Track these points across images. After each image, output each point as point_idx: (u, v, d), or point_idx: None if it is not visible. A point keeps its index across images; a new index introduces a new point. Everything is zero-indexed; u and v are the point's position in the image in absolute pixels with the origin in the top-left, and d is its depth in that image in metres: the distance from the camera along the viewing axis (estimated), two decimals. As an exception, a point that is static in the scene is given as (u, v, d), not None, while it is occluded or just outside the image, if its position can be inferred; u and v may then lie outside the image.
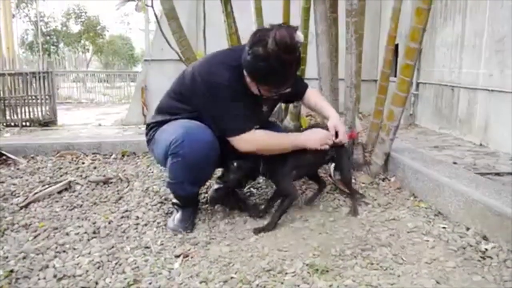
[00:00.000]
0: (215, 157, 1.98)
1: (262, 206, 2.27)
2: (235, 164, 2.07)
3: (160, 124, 2.08)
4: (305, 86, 2.29)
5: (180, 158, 1.91)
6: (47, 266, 1.67)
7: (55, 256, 1.76)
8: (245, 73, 1.90)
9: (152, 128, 2.13)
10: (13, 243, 1.87)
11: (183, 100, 2.04)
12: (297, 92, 2.24)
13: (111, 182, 2.76)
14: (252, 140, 1.94)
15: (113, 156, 3.45)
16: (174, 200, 2.15)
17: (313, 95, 2.30)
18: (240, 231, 2.01)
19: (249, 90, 1.95)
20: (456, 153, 3.71)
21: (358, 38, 2.99)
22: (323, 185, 2.43)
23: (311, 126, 2.37)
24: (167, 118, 2.06)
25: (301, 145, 2.03)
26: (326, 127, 2.14)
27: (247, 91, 1.94)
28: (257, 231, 1.99)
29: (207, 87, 1.90)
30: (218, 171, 2.44)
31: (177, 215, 2.07)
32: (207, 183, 2.68)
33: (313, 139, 2.04)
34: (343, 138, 2.10)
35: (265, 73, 1.83)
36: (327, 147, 2.05)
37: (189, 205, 2.12)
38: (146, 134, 2.19)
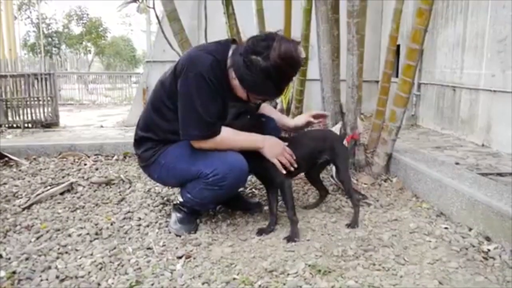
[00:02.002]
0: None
1: (266, 207, 2.27)
2: None
3: (156, 143, 1.99)
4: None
5: (218, 187, 1.88)
6: (49, 267, 1.67)
7: (58, 257, 1.76)
8: (233, 76, 1.83)
9: (147, 150, 2.01)
10: (16, 245, 1.88)
11: (165, 111, 1.93)
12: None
13: (113, 184, 2.76)
14: (213, 143, 1.87)
15: (115, 157, 3.45)
16: (176, 202, 2.12)
17: (267, 106, 2.25)
18: (242, 232, 2.01)
19: (230, 90, 1.89)
20: (458, 153, 3.70)
21: (360, 39, 2.99)
22: (325, 192, 2.40)
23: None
24: (161, 138, 1.97)
25: (259, 149, 1.93)
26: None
27: (226, 89, 1.87)
28: (260, 232, 1.99)
29: (192, 76, 1.80)
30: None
31: (180, 217, 2.05)
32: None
33: (274, 152, 1.93)
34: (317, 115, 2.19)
35: (262, 83, 1.78)
36: (277, 163, 1.93)
37: (196, 211, 2.11)
38: (142, 158, 2.06)
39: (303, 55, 1.77)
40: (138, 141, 2.07)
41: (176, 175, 1.98)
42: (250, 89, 1.85)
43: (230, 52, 1.86)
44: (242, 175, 1.93)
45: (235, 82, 1.85)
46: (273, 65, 1.71)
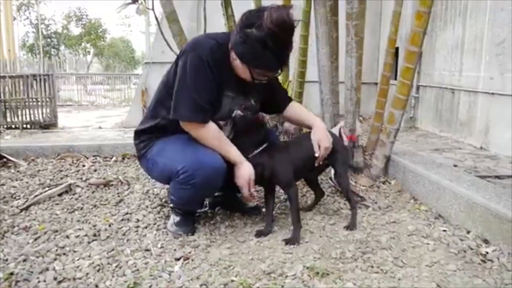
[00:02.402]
0: (224, 177, 1.90)
1: (263, 209, 2.27)
2: None
3: (151, 136, 2.02)
4: (289, 99, 2.21)
5: (190, 186, 1.87)
6: (47, 269, 1.66)
7: (55, 259, 1.75)
8: (234, 56, 1.83)
9: (141, 141, 2.05)
10: (13, 246, 1.87)
11: (167, 101, 1.92)
12: (280, 102, 2.18)
13: (112, 185, 2.76)
14: (198, 132, 1.87)
15: (114, 158, 3.45)
16: (177, 209, 2.09)
17: (298, 106, 2.24)
18: (240, 234, 2.01)
19: (233, 75, 1.88)
20: (457, 156, 3.71)
21: (359, 41, 2.99)
22: (320, 193, 2.40)
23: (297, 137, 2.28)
24: (157, 134, 2.00)
25: (234, 163, 1.91)
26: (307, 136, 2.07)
27: (226, 74, 1.86)
28: (259, 234, 1.99)
29: (189, 57, 1.80)
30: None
31: (177, 219, 2.05)
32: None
33: (241, 176, 1.90)
34: (324, 153, 2.01)
35: (260, 55, 1.75)
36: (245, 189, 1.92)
37: (190, 213, 2.12)
38: (136, 148, 2.11)
39: (296, 17, 1.75)
40: (137, 133, 2.10)
41: (157, 169, 2.00)
42: (250, 63, 1.81)
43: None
44: (214, 174, 1.86)
45: (236, 63, 1.84)
46: (267, 33, 1.69)
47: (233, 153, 1.90)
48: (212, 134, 1.88)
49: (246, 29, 1.74)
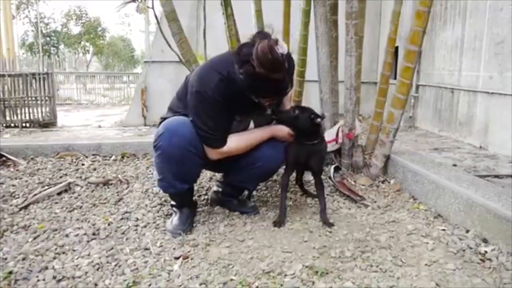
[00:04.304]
0: (197, 154, 1.99)
1: (263, 208, 2.28)
2: None
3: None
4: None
5: (160, 151, 1.96)
6: (46, 268, 1.66)
7: (55, 258, 1.75)
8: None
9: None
10: (13, 245, 1.87)
11: (183, 101, 2.06)
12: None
13: (111, 184, 2.76)
14: (221, 154, 2.02)
15: (113, 157, 3.45)
16: (172, 202, 2.17)
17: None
18: (240, 233, 2.01)
19: (244, 97, 1.93)
20: (456, 155, 3.71)
21: (358, 40, 2.99)
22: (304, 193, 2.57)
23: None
24: (169, 115, 2.09)
25: (270, 135, 2.12)
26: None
27: (239, 98, 1.93)
28: (277, 224, 2.09)
29: (195, 92, 1.92)
30: (218, 173, 2.44)
31: (175, 217, 2.07)
32: (208, 184, 2.69)
33: (283, 136, 2.14)
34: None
35: (262, 89, 1.86)
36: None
37: (185, 205, 2.13)
38: None
39: (283, 50, 1.77)
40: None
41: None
42: (257, 95, 1.91)
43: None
44: (179, 138, 1.93)
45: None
46: (258, 72, 1.75)
47: (259, 134, 2.10)
48: (235, 143, 2.03)
49: (242, 66, 1.80)
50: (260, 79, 1.77)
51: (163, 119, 2.10)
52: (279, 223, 2.08)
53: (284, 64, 1.78)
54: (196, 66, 3.19)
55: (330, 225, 2.07)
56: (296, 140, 2.15)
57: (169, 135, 1.93)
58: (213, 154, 2.02)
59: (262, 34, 1.80)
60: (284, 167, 2.27)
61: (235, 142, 2.03)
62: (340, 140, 2.89)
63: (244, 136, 2.07)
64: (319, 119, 2.08)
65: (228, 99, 1.91)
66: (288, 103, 2.27)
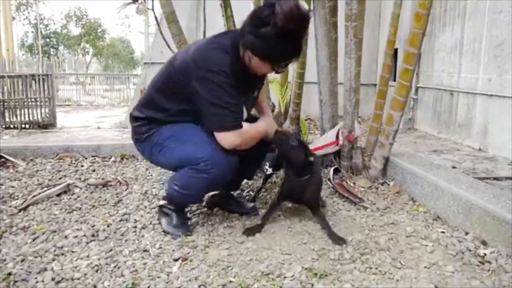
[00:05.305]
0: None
1: (263, 210, 2.27)
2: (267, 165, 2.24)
3: (151, 121, 1.99)
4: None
5: (207, 175, 1.87)
6: (45, 269, 1.66)
7: (54, 259, 1.75)
8: (249, 55, 1.83)
9: (143, 125, 2.02)
10: (12, 246, 1.87)
11: (171, 94, 1.95)
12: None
13: (110, 185, 2.76)
14: (240, 135, 1.87)
15: (112, 159, 3.45)
16: (169, 206, 2.08)
17: (262, 91, 2.29)
18: (239, 235, 2.01)
19: (244, 74, 1.89)
20: (455, 157, 3.71)
21: (358, 42, 2.99)
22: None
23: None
24: (160, 117, 1.98)
25: (268, 132, 2.07)
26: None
27: (241, 76, 1.88)
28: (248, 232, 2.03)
29: (210, 72, 1.80)
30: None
31: (174, 219, 2.05)
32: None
33: (273, 125, 2.14)
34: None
35: (283, 49, 1.79)
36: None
37: (182, 209, 2.12)
38: (135, 131, 2.07)
39: (306, 6, 1.78)
40: (135, 116, 2.06)
41: (165, 155, 1.98)
42: (274, 60, 1.84)
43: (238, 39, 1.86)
44: (230, 168, 1.93)
45: (254, 61, 1.84)
46: (284, 29, 1.71)
47: (258, 127, 2.03)
48: (250, 129, 1.94)
49: (261, 29, 1.75)
50: (285, 37, 1.72)
51: (145, 120, 2.00)
52: (251, 230, 2.03)
53: (309, 20, 1.78)
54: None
55: (343, 241, 1.91)
56: (288, 176, 2.13)
57: (221, 165, 1.88)
58: (230, 138, 1.85)
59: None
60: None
61: (246, 125, 1.92)
62: (340, 142, 2.89)
63: (247, 123, 1.96)
64: (312, 158, 2.04)
65: (237, 78, 1.84)
66: (266, 98, 2.25)
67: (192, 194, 2.00)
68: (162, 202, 2.10)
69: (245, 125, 1.92)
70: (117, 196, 2.56)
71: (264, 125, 2.08)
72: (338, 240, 1.92)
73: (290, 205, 2.41)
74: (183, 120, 1.97)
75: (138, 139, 2.07)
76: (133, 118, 2.08)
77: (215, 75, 1.79)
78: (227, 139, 1.86)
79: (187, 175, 1.92)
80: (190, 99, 1.88)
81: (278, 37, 1.73)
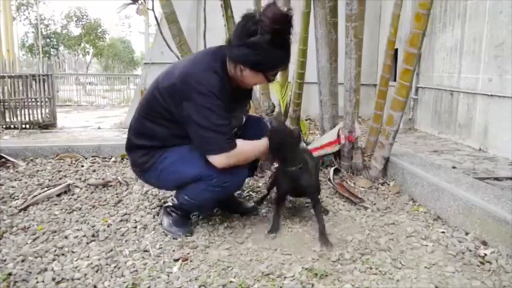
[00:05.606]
0: None
1: (263, 210, 2.27)
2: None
3: (150, 149, 1.97)
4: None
5: (220, 189, 1.90)
6: (45, 269, 1.66)
7: (54, 259, 1.75)
8: (241, 68, 1.81)
9: (143, 155, 1.98)
10: (12, 246, 1.87)
11: (161, 120, 1.92)
12: None
13: (110, 185, 2.76)
14: (233, 156, 1.84)
15: (113, 159, 3.45)
16: (172, 208, 2.08)
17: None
18: (239, 235, 2.01)
19: (233, 91, 1.89)
20: (455, 157, 3.71)
21: (358, 43, 3.00)
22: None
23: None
24: (157, 144, 1.95)
25: (265, 151, 1.98)
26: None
27: (229, 94, 1.87)
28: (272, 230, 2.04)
29: (200, 95, 1.77)
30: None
31: (173, 220, 2.05)
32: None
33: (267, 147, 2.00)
34: None
35: (274, 56, 1.79)
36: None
37: (189, 214, 2.13)
38: (136, 163, 2.03)
39: (285, 8, 1.81)
40: (130, 148, 2.05)
41: (175, 179, 1.96)
42: (268, 68, 1.85)
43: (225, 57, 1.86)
44: (242, 181, 2.09)
45: (246, 73, 1.83)
46: (272, 32, 1.72)
47: (258, 146, 1.96)
48: (242, 146, 1.87)
49: (250, 39, 1.75)
50: (274, 41, 1.73)
51: (146, 149, 1.97)
52: (273, 228, 2.03)
53: (293, 17, 1.78)
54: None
55: (330, 245, 1.87)
56: (281, 168, 2.08)
57: (237, 178, 1.96)
58: (223, 161, 1.83)
59: (255, 11, 1.81)
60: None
61: (240, 143, 1.88)
62: (342, 141, 2.89)
63: (243, 141, 1.92)
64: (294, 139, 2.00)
65: (226, 97, 1.83)
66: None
67: (205, 205, 2.06)
68: (169, 204, 2.10)
69: (242, 143, 1.88)
70: (117, 197, 2.56)
71: (266, 145, 1.96)
72: (325, 242, 1.89)
73: (290, 205, 2.41)
74: (182, 143, 1.94)
75: (142, 170, 2.04)
76: (129, 150, 2.06)
77: (204, 97, 1.77)
78: (218, 161, 1.83)
79: (200, 188, 1.91)
80: (181, 123, 1.86)
81: (269, 43, 1.74)
